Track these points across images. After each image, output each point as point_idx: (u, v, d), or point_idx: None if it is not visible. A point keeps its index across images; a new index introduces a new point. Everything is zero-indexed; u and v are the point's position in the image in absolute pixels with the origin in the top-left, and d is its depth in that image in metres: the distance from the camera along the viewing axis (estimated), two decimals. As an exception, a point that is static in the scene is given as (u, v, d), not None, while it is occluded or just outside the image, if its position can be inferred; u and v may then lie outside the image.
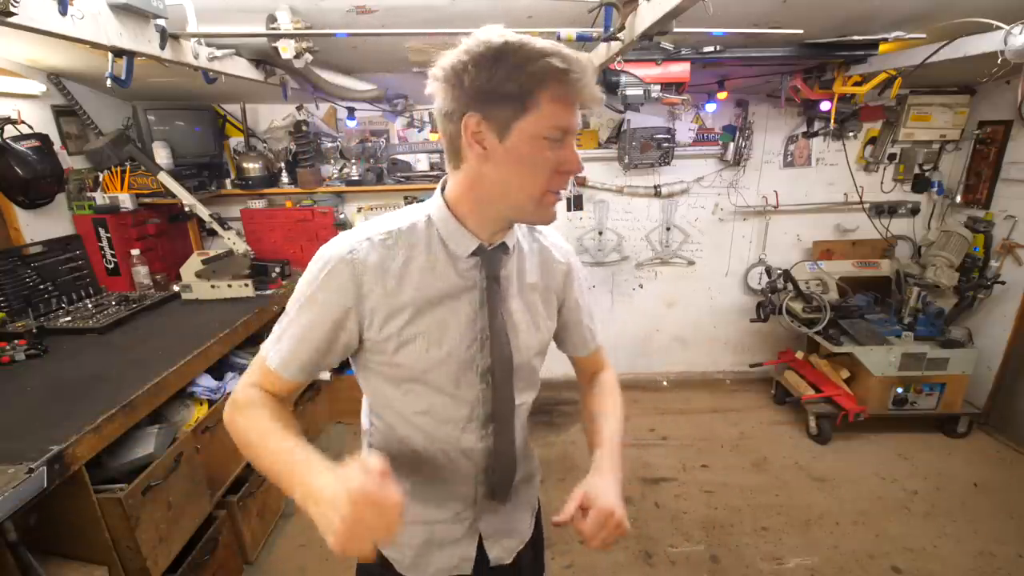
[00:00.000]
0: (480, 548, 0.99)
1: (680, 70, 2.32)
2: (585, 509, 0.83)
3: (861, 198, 3.28)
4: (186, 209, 2.44)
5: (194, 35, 1.74)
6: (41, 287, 2.23)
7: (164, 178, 2.35)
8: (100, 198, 2.61)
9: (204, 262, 2.45)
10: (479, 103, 0.72)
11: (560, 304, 1.00)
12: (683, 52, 2.25)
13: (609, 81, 2.29)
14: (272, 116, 3.11)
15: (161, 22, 1.58)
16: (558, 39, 1.68)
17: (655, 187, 3.31)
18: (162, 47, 1.60)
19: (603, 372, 1.11)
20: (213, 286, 2.49)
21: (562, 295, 1.00)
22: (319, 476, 0.67)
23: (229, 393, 2.05)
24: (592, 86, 0.73)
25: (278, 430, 0.78)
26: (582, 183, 3.29)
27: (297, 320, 0.82)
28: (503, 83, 0.71)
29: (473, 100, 0.72)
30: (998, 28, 1.82)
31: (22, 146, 2.24)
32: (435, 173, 3.12)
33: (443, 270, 0.83)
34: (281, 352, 0.83)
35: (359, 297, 0.80)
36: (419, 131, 3.21)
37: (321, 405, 3.09)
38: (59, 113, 2.53)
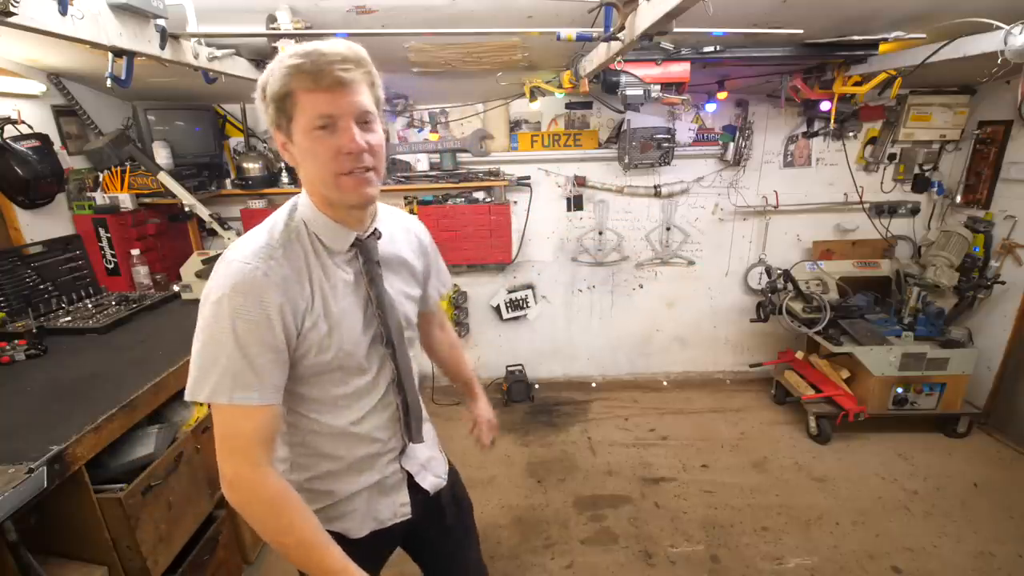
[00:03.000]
0: (413, 488, 1.13)
1: (680, 70, 2.32)
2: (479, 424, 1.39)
3: (861, 198, 3.28)
4: (186, 209, 2.45)
5: (194, 35, 1.74)
6: (41, 287, 2.23)
7: (164, 178, 2.35)
8: (100, 198, 2.61)
9: (204, 262, 2.45)
10: (271, 119, 0.86)
11: (425, 271, 1.18)
12: (683, 52, 2.25)
13: (609, 81, 2.30)
14: (272, 116, 3.11)
15: (161, 22, 1.58)
16: (558, 39, 1.70)
17: (655, 187, 3.31)
18: (162, 47, 1.60)
19: (448, 327, 1.43)
20: (213, 286, 2.48)
21: (426, 267, 1.18)
22: None
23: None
24: (334, 68, 0.81)
25: (313, 534, 0.89)
26: (582, 183, 3.29)
27: (250, 349, 0.83)
28: (273, 97, 0.83)
29: (269, 118, 0.86)
30: (998, 28, 1.82)
31: (22, 146, 2.24)
32: (435, 173, 3.12)
33: (334, 268, 0.94)
34: (257, 385, 0.84)
35: (293, 306, 0.87)
36: (419, 131, 3.21)
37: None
38: (59, 113, 2.53)
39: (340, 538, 1.05)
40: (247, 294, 0.82)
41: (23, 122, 2.30)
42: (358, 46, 0.86)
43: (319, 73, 0.80)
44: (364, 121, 0.86)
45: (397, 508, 1.12)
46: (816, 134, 3.20)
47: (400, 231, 1.10)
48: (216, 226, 2.45)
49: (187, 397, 0.84)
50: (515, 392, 3.45)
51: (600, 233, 3.44)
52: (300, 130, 0.84)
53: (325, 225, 0.92)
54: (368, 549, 1.10)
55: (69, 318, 2.15)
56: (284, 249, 0.88)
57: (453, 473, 1.29)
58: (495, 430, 1.43)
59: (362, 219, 0.96)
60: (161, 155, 2.69)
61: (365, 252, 0.96)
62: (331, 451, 1.02)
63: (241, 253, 0.86)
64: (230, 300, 0.82)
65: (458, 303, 3.47)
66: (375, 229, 0.98)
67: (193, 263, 2.46)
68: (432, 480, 1.17)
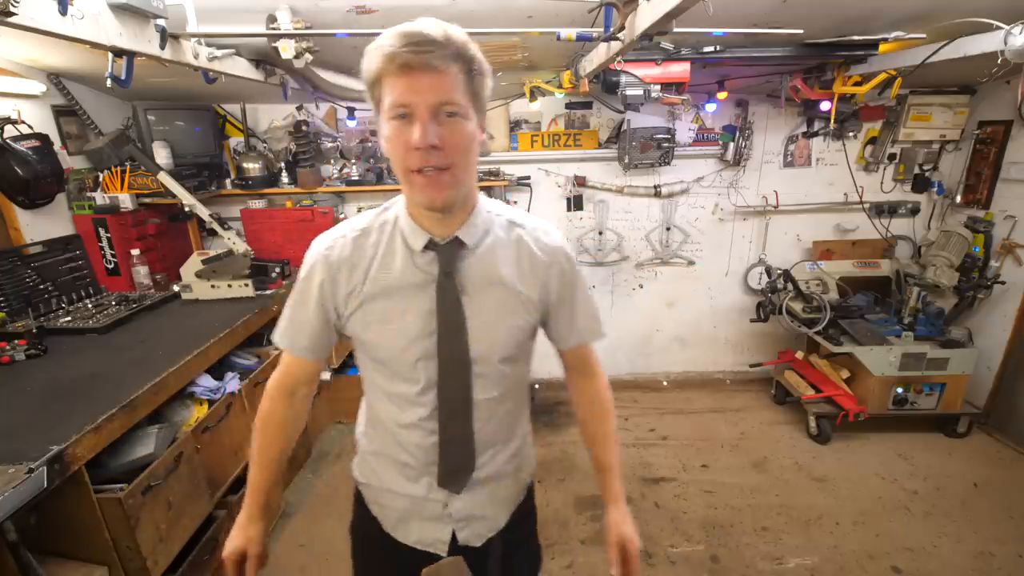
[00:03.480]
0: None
1: (680, 70, 2.32)
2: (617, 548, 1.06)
3: (861, 198, 3.28)
4: (186, 209, 2.44)
5: (194, 35, 1.74)
6: (41, 287, 2.23)
7: (164, 178, 2.35)
8: (100, 198, 2.61)
9: (204, 262, 2.45)
10: (373, 108, 0.82)
11: (544, 299, 0.98)
12: (683, 52, 2.25)
13: (609, 81, 2.30)
14: (272, 116, 3.11)
15: (161, 22, 1.58)
16: (558, 39, 1.70)
17: (655, 187, 3.31)
18: (162, 47, 1.60)
19: (595, 379, 1.12)
20: (213, 286, 2.49)
21: (545, 291, 0.97)
22: (241, 517, 1.05)
23: (230, 393, 2.06)
24: (414, 50, 0.72)
25: (260, 457, 1.05)
26: (582, 183, 3.29)
27: (295, 309, 0.98)
28: (367, 81, 0.79)
29: (372, 107, 0.82)
30: (998, 28, 1.82)
31: (22, 146, 2.24)
32: (435, 173, 3.12)
33: (403, 264, 0.89)
34: (288, 337, 1.00)
35: (334, 286, 0.92)
36: (419, 131, 3.20)
37: (321, 405, 3.09)
38: (59, 113, 2.53)
39: (376, 524, 1.07)
40: (307, 266, 0.94)
41: (23, 122, 2.30)
42: (455, 28, 0.77)
43: (398, 55, 0.73)
44: (447, 113, 0.76)
45: (434, 540, 1.03)
46: (816, 134, 3.20)
47: (508, 246, 0.93)
48: (216, 226, 2.45)
49: None
50: (515, 392, 3.44)
51: (600, 233, 3.44)
52: (383, 117, 0.78)
53: (408, 222, 0.89)
54: (406, 553, 1.05)
55: (69, 318, 2.15)
56: (358, 234, 0.92)
57: (507, 540, 1.10)
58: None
59: (445, 222, 0.88)
60: (161, 155, 2.69)
61: (442, 258, 0.88)
62: (380, 436, 1.03)
63: (341, 230, 0.95)
64: (308, 267, 0.95)
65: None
66: (456, 236, 0.88)
67: (193, 263, 2.46)
68: (464, 536, 1.04)
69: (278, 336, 1.01)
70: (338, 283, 0.91)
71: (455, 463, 0.97)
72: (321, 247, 0.94)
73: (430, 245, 0.88)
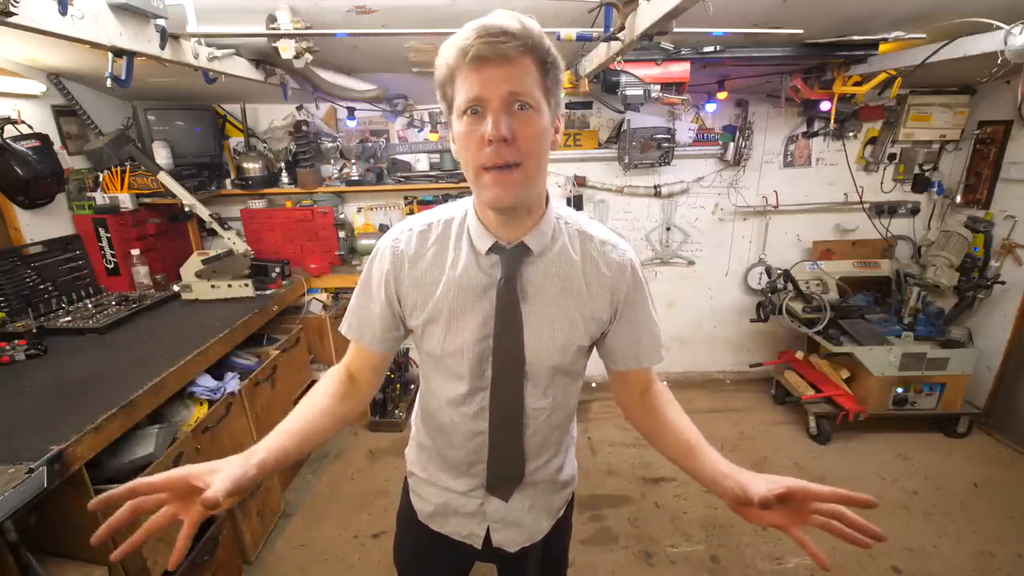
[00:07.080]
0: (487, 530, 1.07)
1: (680, 70, 2.32)
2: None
3: (861, 198, 3.28)
4: (186, 209, 2.44)
5: (194, 35, 1.74)
6: (41, 287, 2.23)
7: (164, 178, 2.35)
8: (100, 198, 2.61)
9: (204, 262, 2.45)
10: (444, 111, 0.81)
11: (605, 315, 0.93)
12: (683, 52, 2.25)
13: (609, 81, 2.30)
14: (272, 116, 3.11)
15: (161, 22, 1.58)
16: (558, 39, 1.70)
17: (655, 187, 3.31)
18: (162, 47, 1.60)
19: (660, 398, 0.99)
20: (213, 286, 2.49)
21: (606, 307, 0.92)
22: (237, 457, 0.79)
23: (230, 393, 2.06)
24: (486, 40, 0.69)
25: (289, 417, 0.91)
26: (582, 183, 3.29)
27: (359, 299, 0.97)
28: (439, 82, 0.78)
29: (443, 111, 0.81)
30: (998, 28, 1.82)
31: (22, 146, 2.24)
32: (435, 173, 3.12)
33: (467, 264, 0.88)
34: (355, 328, 0.98)
35: (397, 280, 0.91)
36: (419, 131, 3.21)
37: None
38: (59, 113, 2.53)
39: (413, 512, 1.10)
40: (373, 257, 0.94)
41: (23, 122, 2.30)
42: (530, 20, 0.74)
43: (471, 47, 0.70)
44: (520, 105, 0.73)
45: (469, 533, 1.06)
46: (816, 134, 3.20)
47: (574, 256, 0.89)
48: (216, 226, 2.45)
49: None
50: (515, 392, 3.44)
51: (600, 233, 3.43)
52: (455, 116, 0.76)
53: (475, 223, 0.87)
54: (444, 543, 1.08)
55: (69, 318, 2.15)
56: (425, 229, 0.92)
57: (544, 551, 1.10)
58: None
59: (512, 226, 0.85)
60: (161, 155, 2.69)
61: (505, 262, 0.86)
62: (428, 427, 1.05)
63: (409, 223, 0.94)
64: (374, 257, 0.94)
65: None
66: (521, 242, 0.85)
67: (193, 263, 2.46)
68: (499, 539, 1.05)
69: (344, 327, 0.99)
70: (401, 275, 0.91)
71: (504, 470, 0.99)
72: (388, 239, 0.93)
73: (495, 248, 0.86)
